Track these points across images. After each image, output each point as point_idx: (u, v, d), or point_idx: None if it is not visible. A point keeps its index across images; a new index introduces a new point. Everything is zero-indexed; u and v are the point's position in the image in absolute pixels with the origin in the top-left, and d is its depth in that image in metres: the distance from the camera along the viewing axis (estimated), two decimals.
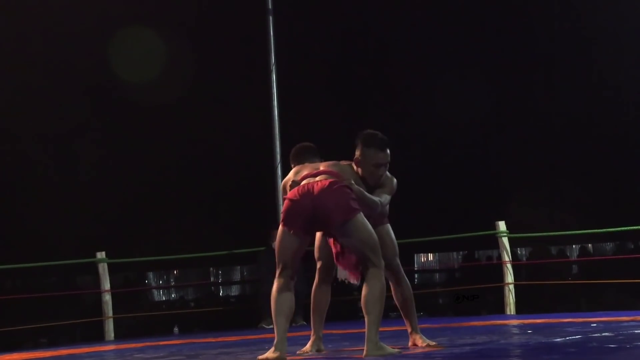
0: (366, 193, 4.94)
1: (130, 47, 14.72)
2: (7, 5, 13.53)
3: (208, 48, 15.68)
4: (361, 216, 4.78)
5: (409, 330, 5.27)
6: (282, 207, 4.92)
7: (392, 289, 5.24)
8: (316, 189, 4.78)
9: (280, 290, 4.86)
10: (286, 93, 12.16)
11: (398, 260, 5.18)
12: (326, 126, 15.33)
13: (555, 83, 16.47)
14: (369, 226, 4.82)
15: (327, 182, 4.80)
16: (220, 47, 15.58)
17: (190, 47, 15.46)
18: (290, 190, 4.92)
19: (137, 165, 16.09)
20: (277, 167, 11.54)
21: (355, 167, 5.03)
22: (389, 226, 5.23)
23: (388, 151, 5.05)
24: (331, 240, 5.02)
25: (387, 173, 5.11)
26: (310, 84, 15.62)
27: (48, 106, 15.73)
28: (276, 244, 4.98)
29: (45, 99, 15.71)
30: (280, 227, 4.89)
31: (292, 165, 5.20)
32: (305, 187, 4.82)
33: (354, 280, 5.00)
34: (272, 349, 4.79)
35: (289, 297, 4.87)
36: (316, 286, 5.27)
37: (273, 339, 4.90)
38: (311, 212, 4.77)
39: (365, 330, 4.74)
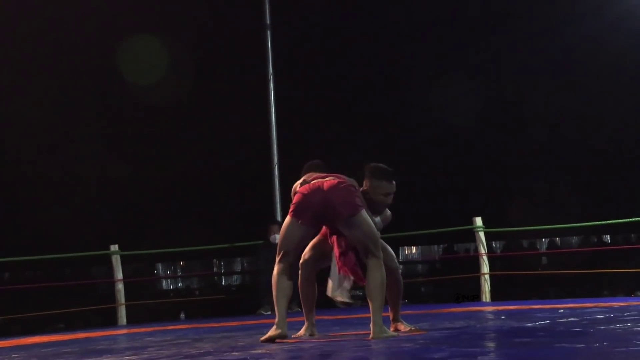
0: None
1: (136, 54, 14.61)
2: (13, 7, 13.42)
3: (212, 57, 15.61)
4: (364, 212, 4.84)
5: (391, 317, 5.29)
6: (293, 200, 4.94)
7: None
8: (326, 185, 4.84)
9: (280, 274, 4.91)
10: (283, 98, 12.18)
11: (396, 263, 5.23)
12: (321, 128, 15.34)
13: (528, 82, 16.34)
14: (371, 221, 4.88)
15: (335, 181, 4.86)
16: (223, 56, 15.51)
17: (196, 55, 15.38)
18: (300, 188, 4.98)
19: (147, 165, 16.06)
20: (274, 167, 11.56)
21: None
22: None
23: (394, 182, 5.13)
24: (334, 239, 5.03)
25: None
26: (306, 89, 15.56)
27: (62, 102, 15.63)
28: (281, 232, 4.99)
29: (57, 96, 15.59)
30: (288, 217, 4.92)
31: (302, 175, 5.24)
32: (316, 184, 4.87)
33: (348, 285, 5.03)
34: (274, 327, 4.82)
35: (288, 281, 4.92)
36: (301, 279, 5.24)
37: (271, 324, 4.92)
38: (321, 205, 4.81)
39: (371, 315, 4.78)
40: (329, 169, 5.17)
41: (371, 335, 4.76)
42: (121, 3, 14.37)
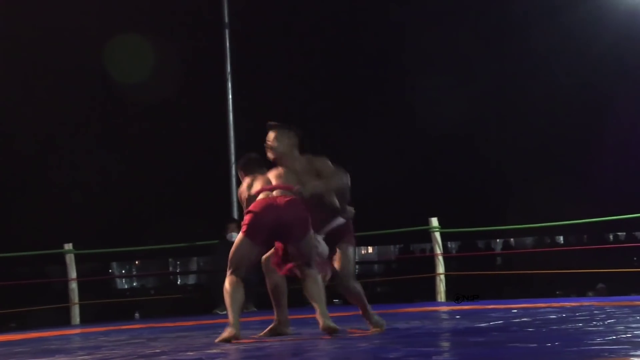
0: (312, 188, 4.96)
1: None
2: (5, 6, 13.23)
3: (174, 57, 15.50)
4: (311, 236, 4.91)
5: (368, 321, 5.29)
6: (245, 219, 4.94)
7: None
8: (279, 204, 4.86)
9: (232, 285, 4.95)
10: (241, 99, 12.14)
11: (353, 283, 5.10)
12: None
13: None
14: (315, 241, 4.94)
15: (287, 199, 4.87)
16: (185, 56, 15.39)
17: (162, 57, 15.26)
18: (247, 204, 4.99)
19: (103, 165, 15.93)
20: (231, 166, 11.53)
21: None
22: (350, 248, 5.17)
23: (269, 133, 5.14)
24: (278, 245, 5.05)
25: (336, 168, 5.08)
26: (264, 88, 15.51)
27: (32, 105, 15.45)
28: (234, 247, 4.99)
29: (30, 98, 15.43)
30: (242, 235, 4.93)
31: (241, 174, 5.21)
32: (268, 202, 4.89)
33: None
34: (228, 329, 4.81)
35: (241, 291, 4.95)
36: (267, 278, 5.22)
37: (226, 323, 4.91)
38: (274, 225, 4.85)
39: (317, 309, 4.84)
40: (265, 166, 5.16)
41: (322, 325, 4.82)
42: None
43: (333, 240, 5.08)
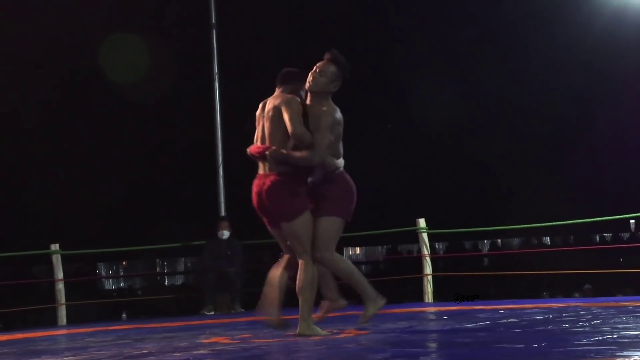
0: (297, 154, 4.79)
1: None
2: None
3: (165, 58, 15.42)
4: (304, 216, 4.83)
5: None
6: None
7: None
8: (264, 192, 4.86)
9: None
10: (229, 100, 12.09)
11: (328, 255, 4.94)
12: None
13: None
14: (307, 226, 4.85)
15: (268, 184, 4.84)
16: (175, 57, 15.32)
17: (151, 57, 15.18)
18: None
19: (89, 165, 15.88)
20: (219, 167, 11.49)
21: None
22: (330, 220, 4.92)
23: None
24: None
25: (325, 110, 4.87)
26: (251, 88, 15.44)
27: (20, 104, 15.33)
28: None
29: None
30: None
31: (276, 86, 5.06)
32: (255, 189, 4.93)
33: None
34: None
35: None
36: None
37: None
38: (265, 213, 4.96)
39: (300, 308, 4.84)
40: (302, 80, 4.96)
41: (298, 331, 4.81)
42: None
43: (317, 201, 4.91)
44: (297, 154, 4.78)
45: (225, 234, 9.81)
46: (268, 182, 4.83)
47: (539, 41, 15.52)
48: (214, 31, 11.62)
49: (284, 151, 4.79)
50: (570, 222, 10.03)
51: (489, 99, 16.28)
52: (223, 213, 11.08)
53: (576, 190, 15.14)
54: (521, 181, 15.91)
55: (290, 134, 4.75)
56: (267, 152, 4.82)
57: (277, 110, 4.84)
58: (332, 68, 4.90)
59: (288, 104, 4.81)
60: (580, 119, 15.73)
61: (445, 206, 14.82)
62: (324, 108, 4.85)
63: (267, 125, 4.90)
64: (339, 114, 4.92)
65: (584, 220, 9.51)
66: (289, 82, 4.99)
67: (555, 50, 15.46)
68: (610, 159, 15.66)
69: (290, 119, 4.74)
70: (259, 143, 4.95)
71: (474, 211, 14.88)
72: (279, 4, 15.45)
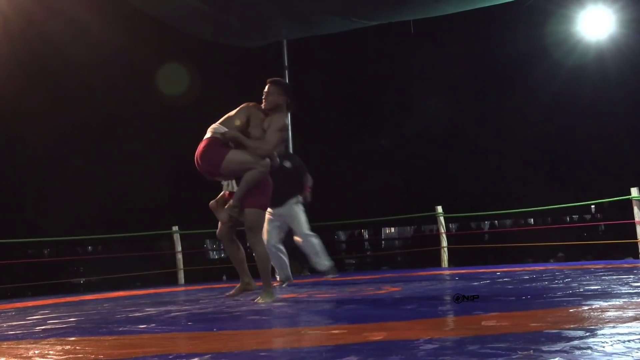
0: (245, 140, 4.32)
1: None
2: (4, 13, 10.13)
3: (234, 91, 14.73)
4: (230, 155, 4.26)
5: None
6: None
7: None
8: (197, 152, 4.36)
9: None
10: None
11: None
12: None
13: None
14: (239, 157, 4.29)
15: (202, 144, 4.34)
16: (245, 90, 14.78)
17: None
18: None
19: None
20: None
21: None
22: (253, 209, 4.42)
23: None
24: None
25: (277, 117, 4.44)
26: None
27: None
28: None
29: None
30: None
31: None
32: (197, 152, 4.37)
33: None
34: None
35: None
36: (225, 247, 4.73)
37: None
38: (204, 172, 4.42)
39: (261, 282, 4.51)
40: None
41: (258, 299, 4.46)
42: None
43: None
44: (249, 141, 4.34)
45: None
46: (203, 142, 4.37)
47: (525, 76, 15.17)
48: (286, 72, 11.41)
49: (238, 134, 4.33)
50: (547, 207, 9.89)
51: (494, 112, 15.90)
52: None
53: (552, 183, 14.87)
54: (513, 177, 15.68)
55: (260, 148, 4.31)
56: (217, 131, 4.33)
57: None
58: (271, 88, 4.48)
59: (275, 121, 4.43)
60: (560, 132, 15.40)
61: (457, 196, 14.66)
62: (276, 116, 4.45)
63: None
64: (287, 121, 4.64)
65: (558, 205, 9.39)
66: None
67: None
68: (579, 162, 15.40)
69: (268, 134, 4.37)
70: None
71: (478, 200, 14.73)
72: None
